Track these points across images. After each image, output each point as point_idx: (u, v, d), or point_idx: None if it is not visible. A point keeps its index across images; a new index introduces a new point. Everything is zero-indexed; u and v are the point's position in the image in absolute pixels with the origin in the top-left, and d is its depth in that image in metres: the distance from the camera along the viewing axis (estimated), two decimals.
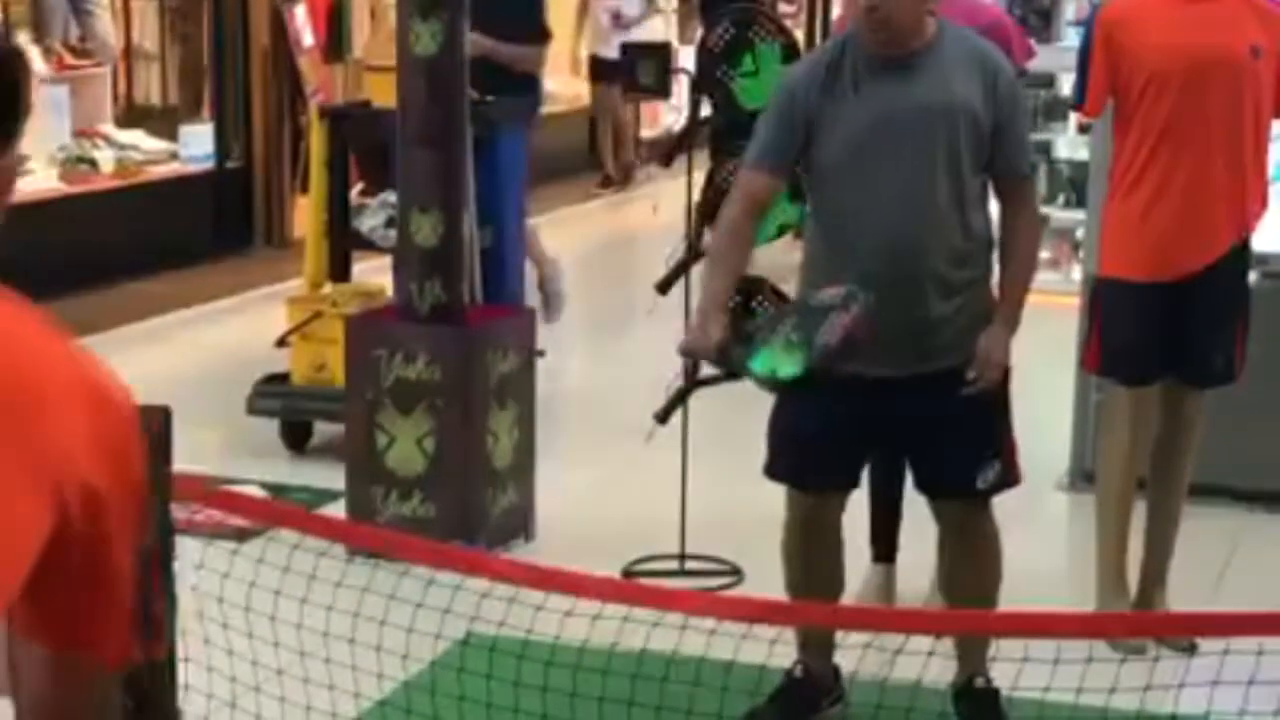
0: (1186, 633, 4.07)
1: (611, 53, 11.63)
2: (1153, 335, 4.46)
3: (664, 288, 5.04)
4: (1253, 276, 4.73)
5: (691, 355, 3.92)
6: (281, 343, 6.25)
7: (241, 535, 4.47)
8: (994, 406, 3.83)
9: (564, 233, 11.09)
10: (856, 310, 3.54)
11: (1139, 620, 4.34)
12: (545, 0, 7.26)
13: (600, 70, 11.93)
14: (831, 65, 3.75)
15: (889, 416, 3.79)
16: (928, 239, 3.70)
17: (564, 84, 12.56)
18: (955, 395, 3.72)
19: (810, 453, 3.83)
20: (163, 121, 9.57)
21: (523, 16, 6.80)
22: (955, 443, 3.81)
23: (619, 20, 11.95)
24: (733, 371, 3.84)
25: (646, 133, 13.26)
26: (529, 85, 6.89)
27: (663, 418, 4.96)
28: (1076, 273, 7.07)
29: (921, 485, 3.98)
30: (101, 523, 1.52)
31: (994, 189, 3.83)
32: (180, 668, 3.03)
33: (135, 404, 1.58)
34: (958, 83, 3.70)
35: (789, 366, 3.54)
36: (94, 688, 1.64)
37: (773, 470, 3.93)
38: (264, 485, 5.38)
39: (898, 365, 3.70)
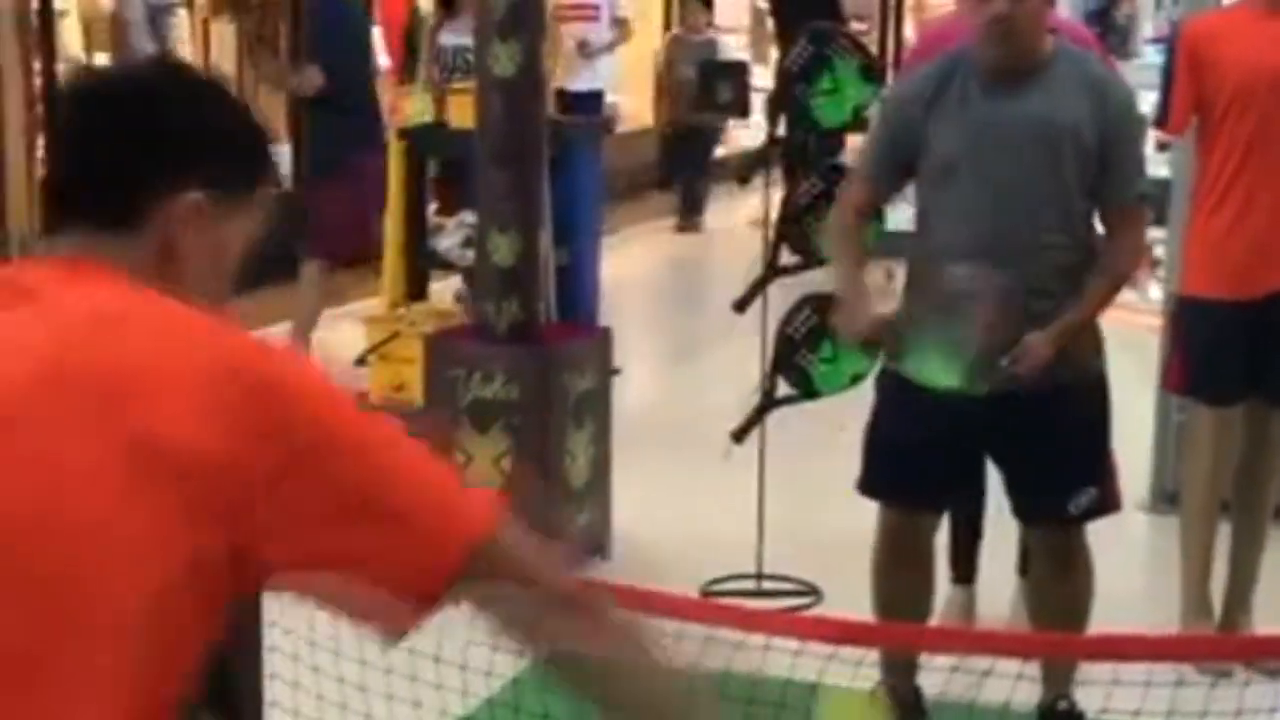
0: (1274, 655, 4.02)
1: (580, 85, 10.61)
2: (1236, 355, 4.41)
3: (741, 307, 5.03)
4: None
5: (847, 334, 3.84)
6: (360, 362, 6.30)
7: None
8: (1093, 431, 3.78)
9: (639, 251, 11.13)
10: (989, 295, 3.53)
11: (1225, 643, 4.28)
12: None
13: (567, 108, 9.57)
14: (941, 80, 3.71)
15: (986, 433, 3.75)
16: (1024, 259, 3.65)
17: (633, 102, 12.56)
18: (1056, 416, 3.67)
19: (906, 468, 3.80)
20: None
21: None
22: (1049, 465, 3.76)
23: (584, 48, 10.77)
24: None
25: (720, 151, 13.26)
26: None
27: (739, 436, 4.95)
28: (1155, 291, 7.01)
29: (1015, 507, 3.94)
30: (297, 467, 1.43)
31: (1099, 213, 3.76)
32: (267, 685, 3.05)
33: (277, 353, 1.51)
34: (1067, 103, 3.65)
35: (946, 378, 3.55)
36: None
37: (868, 485, 3.91)
38: None
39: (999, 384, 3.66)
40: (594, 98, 10.63)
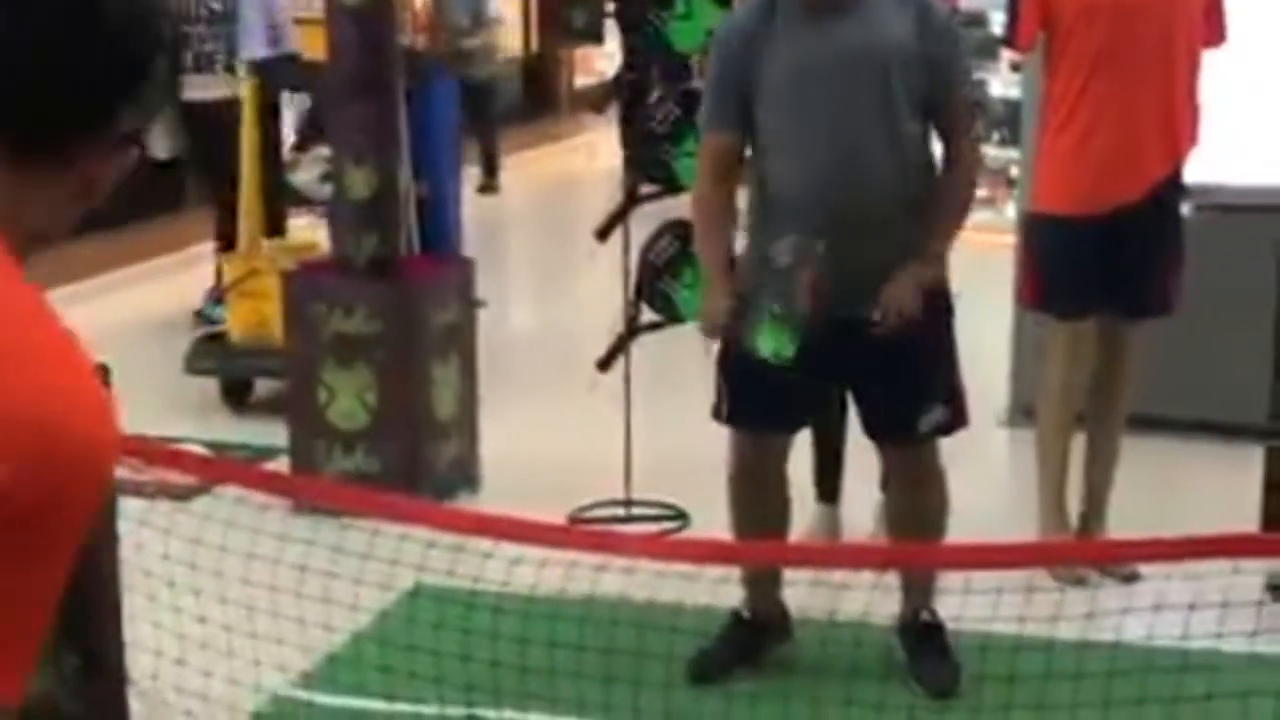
0: (1126, 558, 4.12)
1: None
2: (1088, 269, 4.49)
3: (603, 235, 5.03)
4: (1186, 208, 4.77)
5: (710, 332, 3.79)
6: (218, 300, 6.22)
7: (185, 494, 4.45)
8: (937, 350, 3.84)
9: (501, 182, 11.06)
10: (811, 262, 3.56)
11: (1079, 548, 4.39)
12: None
13: None
14: (762, 15, 3.71)
15: (833, 359, 3.79)
16: (864, 186, 3.68)
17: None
18: (901, 339, 3.70)
19: (755, 396, 3.83)
20: None
21: None
22: (897, 385, 3.81)
23: None
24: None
25: (581, 80, 13.22)
26: None
27: (604, 364, 4.96)
28: (1011, 210, 7.11)
29: (865, 427, 4.00)
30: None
31: (934, 127, 3.80)
32: (127, 626, 3.02)
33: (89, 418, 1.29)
34: (889, 23, 3.68)
35: (787, 346, 3.57)
36: None
37: (720, 413, 3.94)
38: (206, 444, 5.35)
39: (842, 310, 3.68)
40: None
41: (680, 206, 5.09)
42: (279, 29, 7.04)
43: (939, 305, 3.81)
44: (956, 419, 3.90)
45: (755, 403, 3.85)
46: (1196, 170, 4.67)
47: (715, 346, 3.89)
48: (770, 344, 3.59)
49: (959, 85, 3.83)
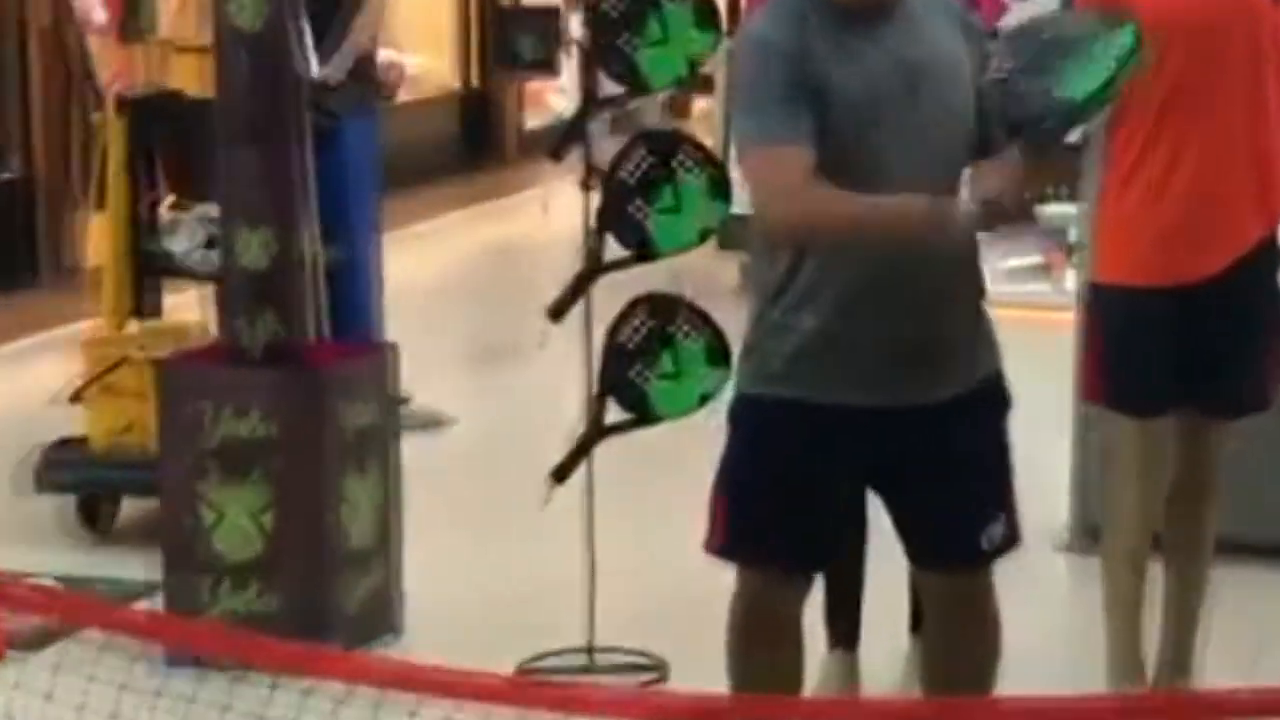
0: (1221, 715, 4.13)
1: None
2: (1165, 354, 4.54)
3: (557, 313, 5.06)
4: None
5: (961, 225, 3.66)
6: (76, 398, 6.24)
7: (35, 642, 4.46)
8: (1000, 447, 3.88)
9: (431, 249, 11.13)
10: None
11: (1160, 703, 4.40)
12: None
13: None
14: (803, 22, 3.74)
15: (875, 463, 3.81)
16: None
17: (428, 61, 12.50)
18: (958, 431, 3.76)
19: (775, 522, 3.81)
20: None
21: None
22: (957, 495, 3.82)
23: None
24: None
25: (532, 123, 13.32)
26: None
27: (561, 475, 4.98)
28: (1070, 281, 7.18)
29: (917, 552, 3.97)
30: None
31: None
32: None
33: None
34: (942, 33, 3.79)
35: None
36: None
37: (724, 545, 3.88)
38: (59, 579, 5.35)
39: (901, 391, 3.72)
40: None
41: (653, 276, 5.13)
42: None
43: (997, 397, 3.87)
44: (1014, 535, 3.92)
45: (772, 534, 3.81)
46: None
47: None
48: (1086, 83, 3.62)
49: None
